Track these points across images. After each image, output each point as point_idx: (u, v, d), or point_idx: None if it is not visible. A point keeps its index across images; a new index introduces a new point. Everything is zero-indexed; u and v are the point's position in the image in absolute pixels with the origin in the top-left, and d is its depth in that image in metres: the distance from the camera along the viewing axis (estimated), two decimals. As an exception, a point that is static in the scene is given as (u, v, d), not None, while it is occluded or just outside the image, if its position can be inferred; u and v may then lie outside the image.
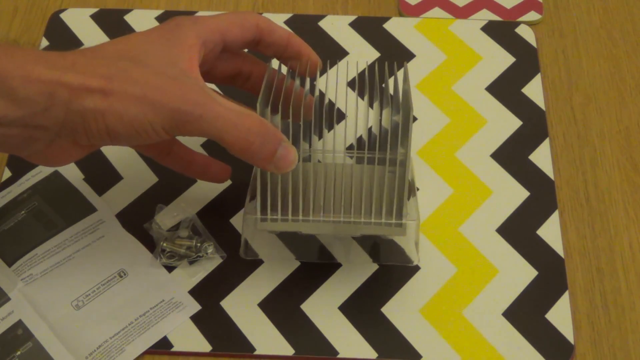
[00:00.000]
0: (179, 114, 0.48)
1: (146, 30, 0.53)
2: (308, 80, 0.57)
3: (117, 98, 0.48)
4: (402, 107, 0.54)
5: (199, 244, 0.61)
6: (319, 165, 0.57)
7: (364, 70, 0.61)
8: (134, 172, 0.65)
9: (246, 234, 0.60)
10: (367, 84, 0.60)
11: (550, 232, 0.63)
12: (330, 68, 0.72)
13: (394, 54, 0.73)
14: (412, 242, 0.61)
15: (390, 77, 0.57)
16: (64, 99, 0.48)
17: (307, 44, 0.58)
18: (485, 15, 0.76)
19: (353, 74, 0.61)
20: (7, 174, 0.65)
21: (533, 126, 0.69)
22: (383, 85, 0.56)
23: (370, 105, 0.58)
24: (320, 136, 0.58)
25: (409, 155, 0.53)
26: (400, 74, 0.57)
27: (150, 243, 0.62)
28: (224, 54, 0.56)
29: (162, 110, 0.48)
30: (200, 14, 0.75)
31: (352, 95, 0.63)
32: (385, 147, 0.53)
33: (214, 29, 0.53)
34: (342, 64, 0.59)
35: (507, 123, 0.69)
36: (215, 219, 0.63)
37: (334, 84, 0.56)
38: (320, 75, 0.57)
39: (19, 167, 0.65)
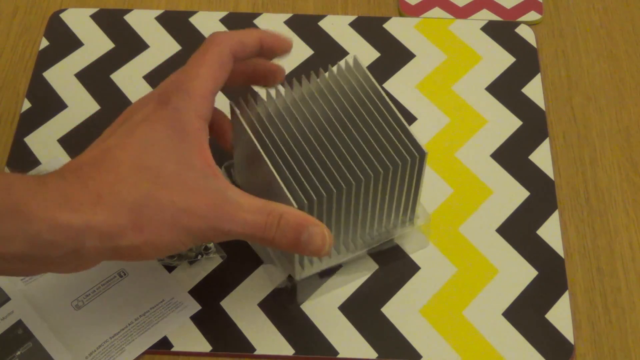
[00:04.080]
0: (209, 231, 0.49)
1: (145, 118, 0.50)
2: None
3: (149, 231, 0.47)
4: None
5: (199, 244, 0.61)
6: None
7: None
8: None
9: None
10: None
11: (550, 232, 0.63)
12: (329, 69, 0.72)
13: (394, 54, 0.73)
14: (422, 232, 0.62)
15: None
16: (96, 242, 0.46)
17: (279, 37, 0.56)
18: (485, 15, 0.76)
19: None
20: (7, 174, 0.65)
21: (533, 126, 0.69)
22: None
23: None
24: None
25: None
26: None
27: (150, 243, 0.62)
28: None
29: (194, 233, 0.48)
30: (200, 14, 0.75)
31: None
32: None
33: (206, 93, 0.51)
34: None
35: (507, 123, 0.69)
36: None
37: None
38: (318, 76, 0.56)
39: (19, 167, 0.65)
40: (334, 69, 0.56)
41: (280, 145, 0.53)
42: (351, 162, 0.52)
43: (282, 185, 0.51)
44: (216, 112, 0.57)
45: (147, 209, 0.47)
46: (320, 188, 0.51)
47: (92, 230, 0.46)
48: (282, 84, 0.56)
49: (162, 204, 0.48)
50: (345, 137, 0.53)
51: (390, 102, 0.55)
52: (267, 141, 0.53)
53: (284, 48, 0.56)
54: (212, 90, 0.52)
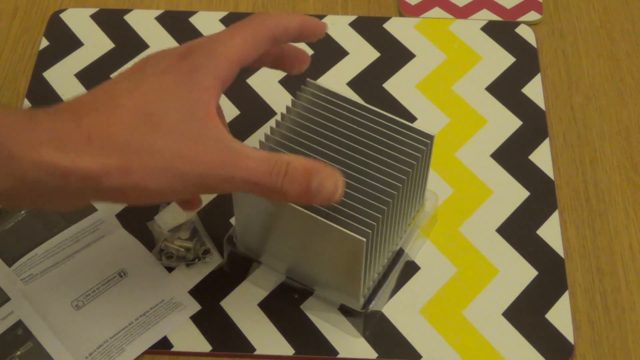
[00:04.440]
0: (208, 178, 0.47)
1: (161, 71, 0.49)
2: None
3: (137, 175, 0.46)
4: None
5: (197, 247, 0.61)
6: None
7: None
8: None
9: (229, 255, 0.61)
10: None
11: (550, 232, 0.63)
12: (330, 68, 0.72)
13: (394, 54, 0.73)
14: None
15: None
16: (79, 182, 0.46)
17: (314, 19, 0.55)
18: (485, 15, 0.76)
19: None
20: (7, 174, 0.65)
21: (533, 126, 0.69)
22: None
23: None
24: None
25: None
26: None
27: (150, 243, 0.62)
28: None
29: (189, 179, 0.46)
30: (200, 14, 0.75)
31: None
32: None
33: (232, 60, 0.50)
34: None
35: (507, 123, 0.69)
36: (216, 219, 0.63)
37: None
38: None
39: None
40: (298, 99, 0.55)
41: None
42: (381, 176, 0.52)
43: (337, 226, 0.49)
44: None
45: (137, 153, 0.46)
46: (370, 211, 0.50)
47: (77, 170, 0.45)
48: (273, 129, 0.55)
49: (156, 148, 0.46)
50: (358, 156, 0.52)
51: (369, 105, 0.54)
52: None
53: (320, 32, 0.55)
54: (238, 59, 0.50)
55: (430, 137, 0.53)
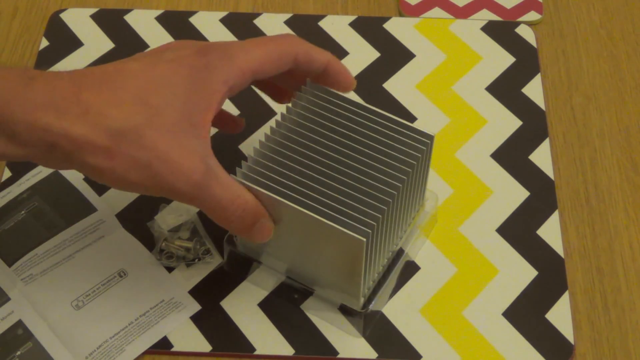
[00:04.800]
0: (175, 191, 0.48)
1: (176, 59, 0.49)
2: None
3: (120, 162, 0.47)
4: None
5: (197, 247, 0.61)
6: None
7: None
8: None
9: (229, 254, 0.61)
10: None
11: (550, 232, 0.63)
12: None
13: (394, 54, 0.73)
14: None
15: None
16: (66, 151, 0.47)
17: (347, 69, 0.54)
18: (485, 15, 0.76)
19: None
20: (7, 174, 0.65)
21: (533, 126, 0.69)
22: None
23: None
24: None
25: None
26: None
27: (150, 243, 0.62)
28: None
29: (160, 183, 0.48)
30: (200, 14, 0.75)
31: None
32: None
33: (246, 70, 0.50)
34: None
35: (507, 123, 0.69)
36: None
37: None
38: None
39: (19, 167, 0.65)
40: (298, 99, 0.55)
41: (302, 188, 0.51)
42: (380, 176, 0.52)
43: (337, 226, 0.49)
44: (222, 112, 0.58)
45: (126, 141, 0.47)
46: (370, 211, 0.50)
47: (67, 138, 0.46)
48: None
49: (144, 144, 0.47)
50: (358, 156, 0.52)
51: (369, 105, 0.54)
52: (286, 191, 0.51)
53: (346, 83, 0.54)
54: (253, 70, 0.50)
55: (430, 137, 0.53)
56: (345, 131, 0.53)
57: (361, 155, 0.52)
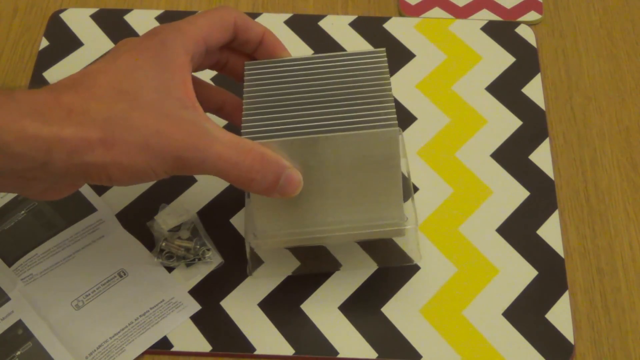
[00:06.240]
0: (181, 160, 0.48)
1: (131, 48, 0.51)
2: None
3: (119, 150, 0.47)
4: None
5: (197, 247, 0.61)
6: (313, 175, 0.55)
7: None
8: (134, 172, 0.65)
9: (251, 255, 0.60)
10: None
11: (550, 232, 0.63)
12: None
13: (394, 54, 0.73)
14: (412, 242, 0.61)
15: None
16: (63, 155, 0.46)
17: (282, 42, 0.57)
18: (485, 15, 0.76)
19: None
20: (7, 174, 0.65)
21: (533, 126, 0.69)
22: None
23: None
24: None
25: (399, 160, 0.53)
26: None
27: (150, 243, 0.62)
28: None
29: (164, 158, 0.48)
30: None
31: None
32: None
33: (198, 37, 0.52)
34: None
35: (507, 123, 0.69)
36: (216, 219, 0.63)
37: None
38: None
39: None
40: (249, 81, 0.56)
41: (312, 123, 0.53)
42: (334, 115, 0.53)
43: (366, 130, 0.51)
44: (224, 94, 0.59)
45: (118, 128, 0.47)
46: (382, 114, 0.52)
47: (60, 142, 0.46)
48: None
49: (135, 125, 0.47)
50: (339, 102, 0.54)
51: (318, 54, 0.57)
52: (299, 130, 0.53)
53: (278, 54, 0.57)
54: (204, 37, 0.52)
55: (382, 51, 0.56)
56: (311, 89, 0.55)
57: (337, 82, 0.55)
